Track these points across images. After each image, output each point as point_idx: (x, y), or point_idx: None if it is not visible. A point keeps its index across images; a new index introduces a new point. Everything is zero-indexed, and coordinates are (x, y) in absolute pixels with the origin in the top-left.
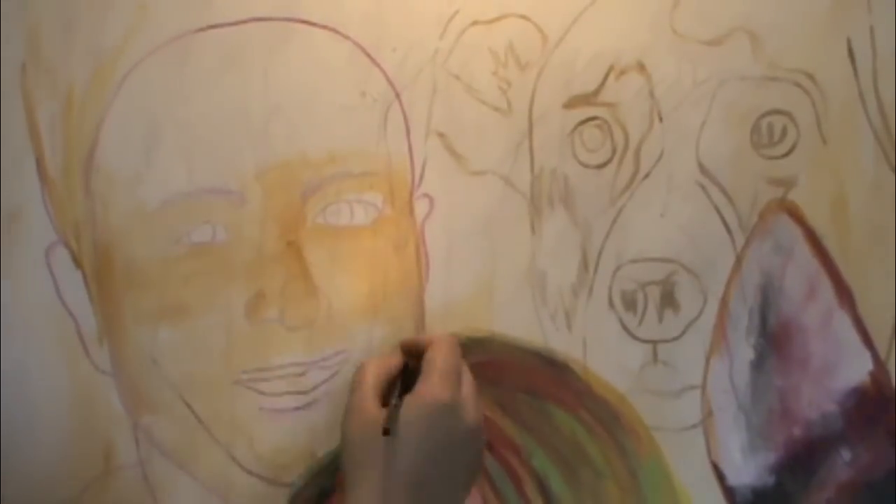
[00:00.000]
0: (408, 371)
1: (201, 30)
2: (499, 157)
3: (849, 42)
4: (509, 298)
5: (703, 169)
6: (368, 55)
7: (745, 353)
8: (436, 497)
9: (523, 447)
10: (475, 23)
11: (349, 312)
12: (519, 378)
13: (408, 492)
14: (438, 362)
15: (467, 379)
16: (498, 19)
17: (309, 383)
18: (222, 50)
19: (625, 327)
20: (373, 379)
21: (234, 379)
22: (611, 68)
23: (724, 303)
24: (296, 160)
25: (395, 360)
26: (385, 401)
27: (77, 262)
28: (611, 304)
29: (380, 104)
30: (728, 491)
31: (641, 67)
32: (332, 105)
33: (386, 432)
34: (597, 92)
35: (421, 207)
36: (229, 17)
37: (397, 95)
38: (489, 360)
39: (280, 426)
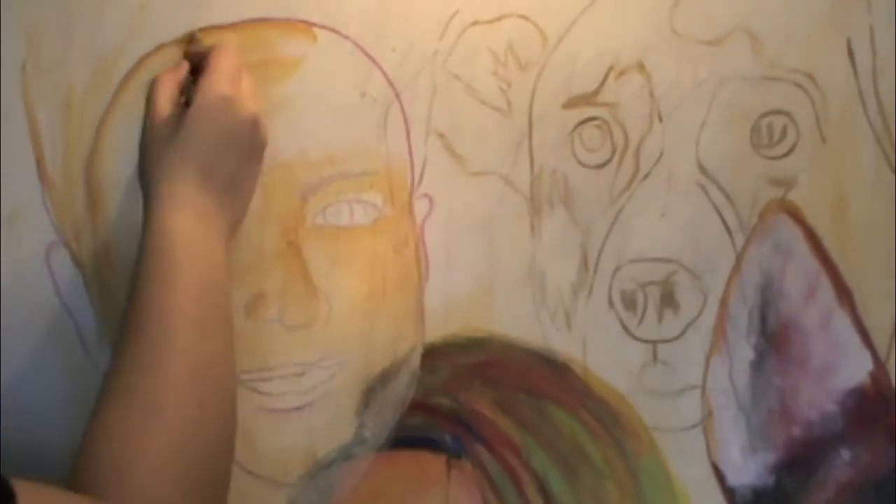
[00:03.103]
0: (196, 78)
1: (201, 30)
2: (499, 157)
3: (849, 42)
4: (509, 298)
5: (703, 169)
6: (368, 55)
7: (745, 353)
8: (225, 183)
9: (523, 447)
10: (475, 23)
11: (349, 312)
12: (519, 378)
13: (200, 179)
14: (218, 62)
15: (247, 78)
16: (498, 19)
17: (309, 383)
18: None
19: (625, 327)
20: (165, 86)
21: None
22: (611, 68)
23: (724, 303)
24: (296, 160)
25: (182, 67)
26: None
27: (77, 262)
28: (611, 304)
29: (380, 104)
30: (728, 491)
31: (641, 67)
32: (332, 105)
33: (187, 104)
34: (597, 92)
35: (421, 207)
36: (229, 16)
37: (397, 95)
38: (489, 360)
39: (280, 426)
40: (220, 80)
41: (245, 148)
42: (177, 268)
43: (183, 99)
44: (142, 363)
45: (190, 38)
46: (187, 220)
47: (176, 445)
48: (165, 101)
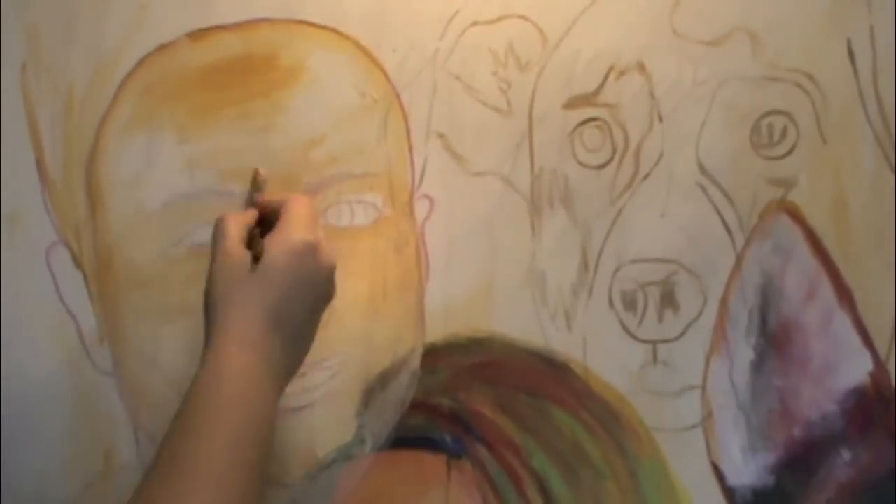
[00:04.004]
0: (265, 226)
1: (202, 30)
2: (499, 157)
3: (849, 42)
4: (509, 298)
5: (703, 169)
6: (368, 55)
7: (745, 353)
8: (292, 331)
9: (523, 447)
10: (475, 23)
11: (349, 312)
12: (519, 378)
13: (270, 323)
14: (298, 209)
15: (321, 227)
16: (498, 20)
17: (309, 383)
18: (223, 50)
19: (625, 327)
20: (235, 228)
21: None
22: (611, 68)
23: (724, 303)
24: (296, 161)
25: (251, 213)
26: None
27: (77, 262)
28: (611, 304)
29: (380, 104)
30: (728, 491)
31: (641, 68)
32: (333, 105)
33: (256, 259)
34: (597, 92)
35: (421, 208)
36: (230, 17)
37: (397, 96)
38: (489, 360)
39: (280, 426)
40: (303, 225)
41: (319, 297)
42: (228, 410)
43: (251, 250)
44: (169, 495)
45: (254, 181)
46: (248, 364)
47: None
48: (237, 240)
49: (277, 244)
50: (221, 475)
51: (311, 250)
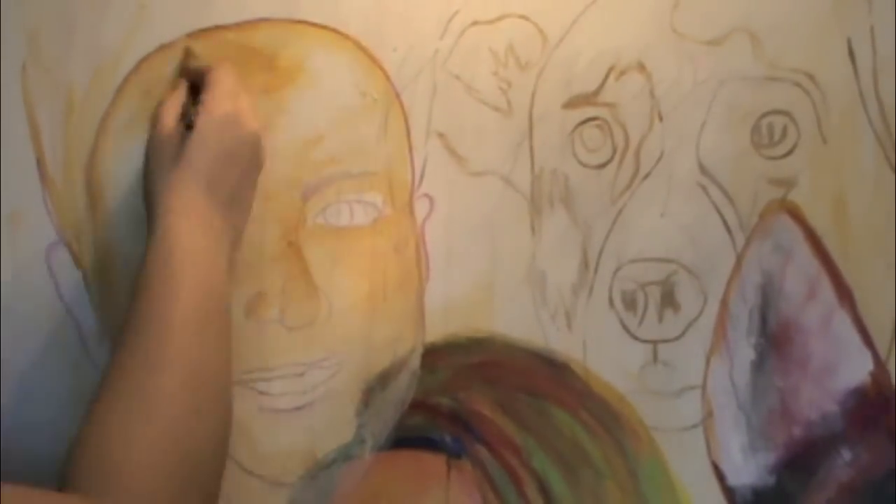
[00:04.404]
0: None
1: (202, 30)
2: (499, 157)
3: (849, 42)
4: (509, 298)
5: (703, 169)
6: (368, 55)
7: (745, 353)
8: (228, 197)
9: (523, 447)
10: (475, 23)
11: (349, 312)
12: (519, 378)
13: (204, 191)
14: (219, 78)
15: (245, 96)
16: (498, 19)
17: (309, 383)
18: (223, 50)
19: (625, 327)
20: (167, 107)
21: (235, 379)
22: (611, 68)
23: (724, 303)
24: (296, 160)
25: (181, 90)
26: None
27: (77, 262)
28: (611, 304)
29: (380, 104)
30: (728, 491)
31: (642, 67)
32: (332, 105)
33: (189, 127)
34: (597, 92)
35: (421, 208)
36: (229, 17)
37: (397, 95)
38: (489, 360)
39: (280, 426)
40: (221, 98)
41: (247, 163)
42: (179, 275)
43: (185, 121)
44: (138, 365)
45: (186, 53)
46: (192, 230)
47: (168, 447)
48: (169, 119)
49: (203, 114)
50: (188, 329)
51: (230, 121)
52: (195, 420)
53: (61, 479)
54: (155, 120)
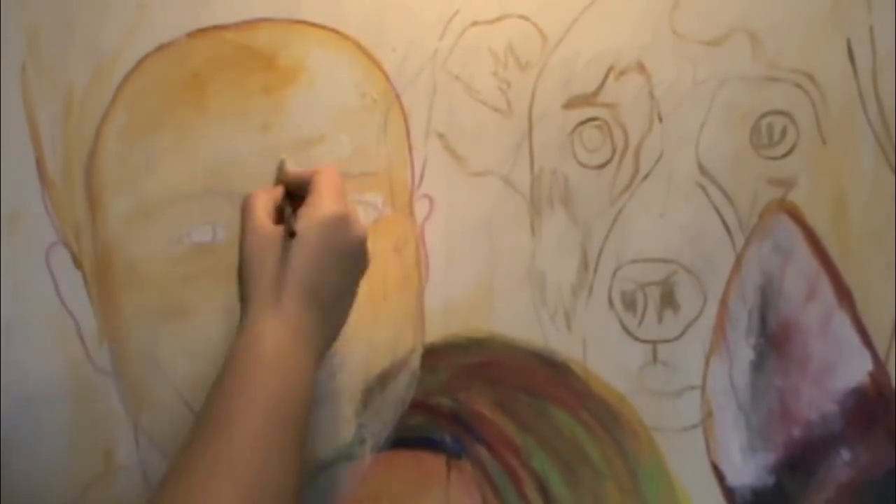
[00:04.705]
0: (293, 200)
1: (202, 30)
2: (499, 157)
3: (849, 42)
4: (509, 298)
5: (702, 169)
6: (368, 55)
7: (744, 353)
8: (328, 302)
9: (523, 447)
10: (475, 23)
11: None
12: (519, 378)
13: (303, 295)
14: (326, 180)
15: (350, 200)
16: (498, 20)
17: None
18: (223, 50)
19: (625, 327)
20: (262, 204)
21: None
22: (611, 68)
23: (723, 303)
24: (296, 161)
25: (279, 190)
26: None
27: (77, 262)
28: (611, 304)
29: (380, 104)
30: (728, 491)
31: (641, 68)
32: (332, 105)
33: (291, 235)
34: (597, 92)
35: (421, 208)
36: (229, 17)
37: (397, 96)
38: (489, 360)
39: None
40: (333, 198)
41: (352, 267)
42: (259, 380)
43: (285, 225)
44: (203, 465)
45: (280, 168)
46: (283, 334)
47: None
48: (265, 215)
49: (308, 216)
50: (259, 437)
51: (342, 221)
52: None
53: None
54: (246, 212)
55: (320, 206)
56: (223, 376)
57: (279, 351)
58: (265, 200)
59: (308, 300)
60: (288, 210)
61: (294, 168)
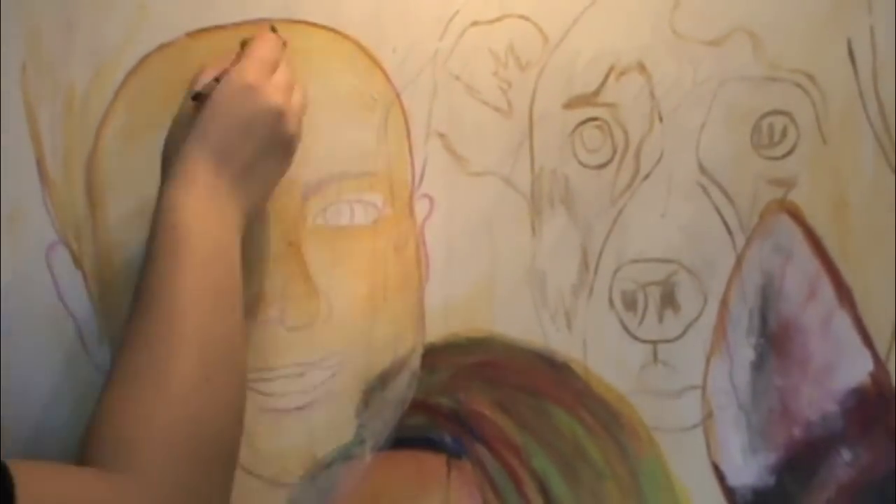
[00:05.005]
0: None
1: (202, 30)
2: (499, 157)
3: (849, 42)
4: (509, 298)
5: (703, 169)
6: (368, 55)
7: (745, 353)
8: (239, 166)
9: (523, 447)
10: (475, 23)
11: (349, 312)
12: (519, 378)
13: (211, 157)
14: (254, 51)
15: (282, 71)
16: (498, 20)
17: (309, 383)
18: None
19: (625, 327)
20: (205, 73)
21: None
22: (611, 68)
23: (724, 303)
24: (296, 160)
25: (228, 58)
26: None
27: (77, 262)
28: (611, 304)
29: (380, 104)
30: (728, 491)
31: (642, 68)
32: (332, 105)
33: (195, 98)
34: (597, 92)
35: (421, 208)
36: (230, 17)
37: (397, 96)
38: (489, 360)
39: (280, 426)
40: (248, 68)
41: (265, 138)
42: (185, 244)
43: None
44: (150, 338)
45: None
46: (198, 198)
47: (183, 419)
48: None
49: (221, 87)
50: (196, 303)
51: (248, 92)
52: (209, 392)
53: (79, 457)
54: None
55: (235, 75)
56: (152, 247)
57: (197, 216)
58: (211, 69)
59: (219, 166)
60: (206, 79)
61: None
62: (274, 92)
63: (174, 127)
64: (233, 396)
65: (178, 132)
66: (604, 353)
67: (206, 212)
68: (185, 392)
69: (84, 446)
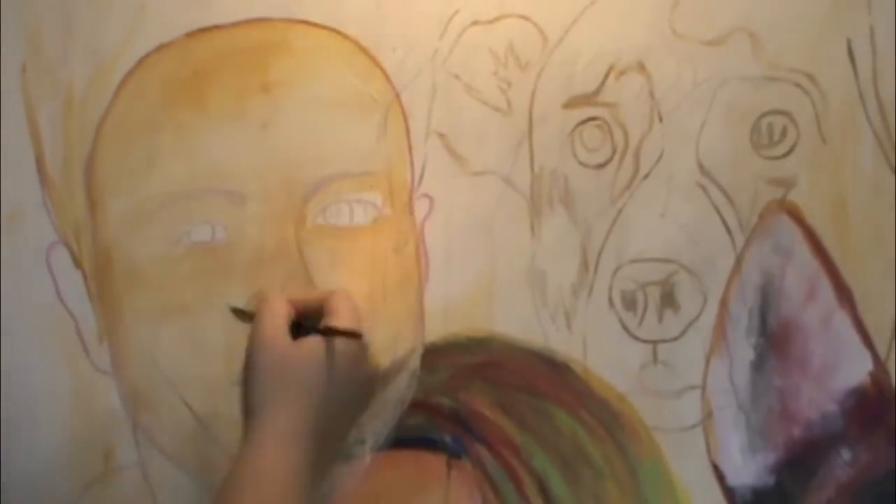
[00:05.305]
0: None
1: (201, 30)
2: (499, 157)
3: (849, 42)
4: (509, 298)
5: (703, 169)
6: (368, 55)
7: (745, 353)
8: (339, 425)
9: (523, 447)
10: (475, 23)
11: None
12: (519, 378)
13: (318, 418)
14: (347, 309)
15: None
16: (498, 19)
17: None
18: (222, 50)
19: (625, 327)
20: (280, 313)
21: (234, 379)
22: (611, 68)
23: (724, 303)
24: (296, 160)
25: (290, 306)
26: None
27: (77, 262)
28: (611, 304)
29: (380, 104)
30: (728, 491)
31: (641, 67)
32: (333, 105)
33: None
34: (597, 92)
35: (421, 207)
36: (229, 17)
37: (397, 95)
38: (489, 360)
39: None
40: (351, 322)
41: (360, 400)
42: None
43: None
44: None
45: (239, 312)
46: (283, 459)
47: None
48: (283, 323)
49: (342, 342)
50: None
51: (364, 353)
52: None
53: None
54: (264, 320)
55: (340, 342)
56: (226, 487)
57: (281, 479)
58: (285, 310)
59: (316, 428)
60: (322, 326)
61: (303, 290)
62: (368, 357)
63: (259, 363)
64: None
65: (270, 375)
66: (604, 353)
67: (292, 474)
68: None
69: None
